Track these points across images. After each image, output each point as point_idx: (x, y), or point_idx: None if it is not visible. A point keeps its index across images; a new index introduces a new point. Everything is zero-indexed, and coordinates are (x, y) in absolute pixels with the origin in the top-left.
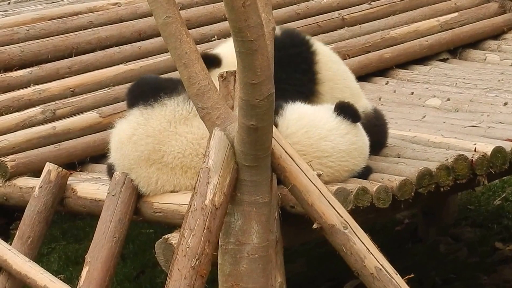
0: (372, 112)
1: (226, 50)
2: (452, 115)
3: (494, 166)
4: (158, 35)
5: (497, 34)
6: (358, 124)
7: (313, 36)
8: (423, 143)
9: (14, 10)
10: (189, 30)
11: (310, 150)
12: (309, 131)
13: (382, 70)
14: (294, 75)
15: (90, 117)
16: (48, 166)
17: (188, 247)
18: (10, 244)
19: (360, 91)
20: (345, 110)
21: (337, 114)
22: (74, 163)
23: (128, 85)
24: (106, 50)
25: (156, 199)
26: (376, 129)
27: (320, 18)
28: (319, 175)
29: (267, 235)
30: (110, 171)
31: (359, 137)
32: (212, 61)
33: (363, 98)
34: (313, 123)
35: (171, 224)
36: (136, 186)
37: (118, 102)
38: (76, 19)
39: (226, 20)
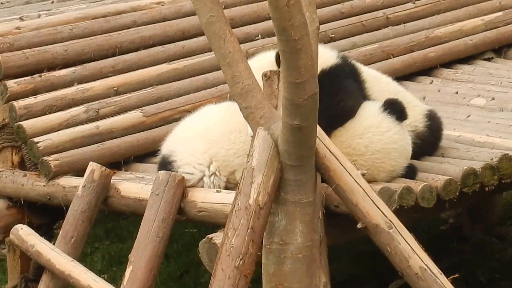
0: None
1: None
2: (497, 115)
3: None
4: (202, 34)
5: None
6: (402, 123)
7: (357, 35)
8: (468, 142)
9: (58, 9)
10: (233, 29)
11: (340, 147)
12: (345, 127)
13: (426, 70)
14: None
15: (133, 116)
16: (92, 165)
17: (232, 247)
18: (54, 244)
19: (412, 98)
20: (392, 106)
21: (383, 110)
22: (118, 163)
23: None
24: (149, 49)
25: (200, 198)
26: (432, 132)
27: (364, 17)
28: (363, 174)
29: (311, 235)
30: None
31: (401, 136)
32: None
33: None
34: (354, 119)
35: (215, 224)
36: (180, 185)
37: (162, 101)
38: (120, 18)
39: (270, 19)
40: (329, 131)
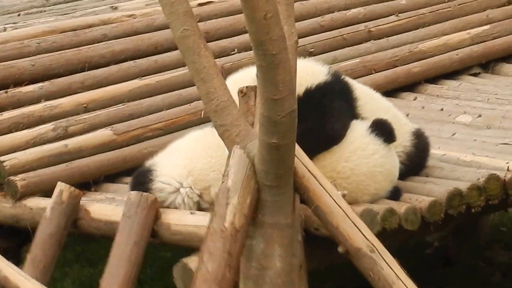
0: (415, 132)
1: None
2: (484, 132)
3: None
4: (175, 48)
5: None
6: (390, 145)
7: (337, 49)
8: (453, 161)
9: (25, 22)
10: (208, 43)
11: (324, 170)
12: (331, 151)
13: (410, 85)
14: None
15: (103, 134)
16: (60, 185)
17: (207, 272)
18: (22, 268)
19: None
20: (380, 128)
21: (371, 131)
22: (87, 183)
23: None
24: (120, 64)
25: (173, 220)
26: (419, 151)
27: (345, 30)
28: (343, 195)
29: (290, 259)
30: None
31: (388, 159)
32: None
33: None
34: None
35: (189, 247)
36: (153, 206)
37: (133, 119)
38: (89, 32)
39: (247, 32)
40: (312, 155)
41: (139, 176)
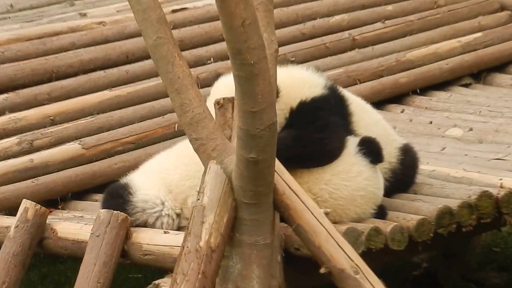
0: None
1: (284, 78)
2: (475, 147)
3: None
4: (148, 57)
5: None
6: (375, 166)
7: (320, 58)
8: (443, 178)
9: None
10: (182, 52)
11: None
12: (311, 171)
13: (397, 97)
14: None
15: (71, 148)
16: (25, 203)
17: None
18: None
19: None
20: (368, 147)
21: (359, 150)
22: (54, 200)
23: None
24: (89, 74)
25: (145, 240)
26: (405, 168)
27: (328, 38)
28: (326, 213)
29: (269, 281)
30: None
31: (371, 181)
32: None
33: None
34: None
35: (162, 268)
36: (123, 225)
37: (103, 132)
38: (57, 40)
39: (224, 40)
40: (301, 168)
41: (112, 194)
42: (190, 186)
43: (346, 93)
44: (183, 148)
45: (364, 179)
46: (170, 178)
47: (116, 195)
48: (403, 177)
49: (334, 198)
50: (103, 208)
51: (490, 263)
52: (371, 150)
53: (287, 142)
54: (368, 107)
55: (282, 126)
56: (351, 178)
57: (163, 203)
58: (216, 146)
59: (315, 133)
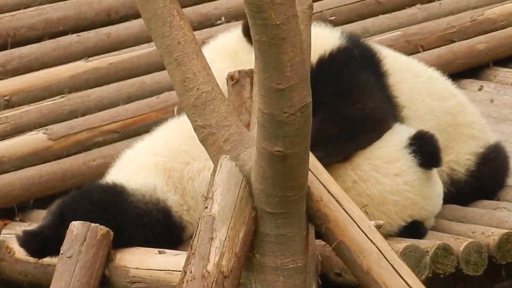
0: (492, 148)
1: None
2: None
3: None
4: (136, 16)
5: None
6: (428, 171)
7: (369, 17)
8: None
9: None
10: (183, 9)
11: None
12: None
13: (473, 69)
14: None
15: (34, 139)
16: None
17: None
18: None
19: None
20: (422, 144)
21: (408, 145)
22: (10, 209)
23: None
24: (57, 38)
25: (133, 262)
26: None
27: None
28: (379, 227)
29: None
30: None
31: (413, 188)
32: None
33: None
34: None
35: None
36: (104, 242)
37: (76, 117)
38: None
39: None
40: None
41: (91, 198)
42: (198, 169)
43: (375, 45)
44: (182, 124)
45: (404, 183)
46: (171, 163)
47: (99, 198)
48: (486, 185)
49: (358, 192)
50: (76, 219)
51: None
52: (425, 150)
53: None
54: (420, 67)
55: None
56: (387, 175)
57: (165, 198)
58: (230, 136)
59: (344, 98)
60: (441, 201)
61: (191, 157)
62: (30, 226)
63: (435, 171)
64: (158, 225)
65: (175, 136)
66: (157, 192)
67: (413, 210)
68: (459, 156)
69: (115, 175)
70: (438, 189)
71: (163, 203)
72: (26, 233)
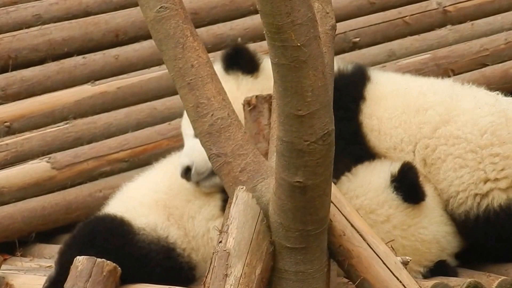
0: None
1: None
2: None
3: None
4: (147, 37)
5: None
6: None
7: (395, 39)
8: None
9: None
10: (197, 29)
11: None
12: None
13: (507, 95)
14: None
15: (36, 168)
16: None
17: None
18: None
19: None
20: (402, 181)
21: (392, 183)
22: (11, 243)
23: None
24: (62, 60)
25: None
26: None
27: (408, 10)
28: (406, 263)
29: None
30: None
31: (404, 232)
32: (240, 62)
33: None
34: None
35: None
36: (112, 279)
37: (82, 145)
38: (14, 11)
39: (257, 13)
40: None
41: (96, 231)
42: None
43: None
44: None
45: (394, 227)
46: (167, 199)
47: (104, 231)
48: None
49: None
50: (78, 254)
51: None
52: (403, 186)
53: None
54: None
55: None
56: (376, 223)
57: (167, 236)
58: (246, 166)
59: None
60: (451, 238)
61: (193, 195)
62: (31, 261)
63: (431, 206)
64: (159, 266)
65: (175, 171)
66: (157, 231)
67: (416, 256)
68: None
69: (117, 208)
70: (440, 227)
71: (163, 241)
72: None
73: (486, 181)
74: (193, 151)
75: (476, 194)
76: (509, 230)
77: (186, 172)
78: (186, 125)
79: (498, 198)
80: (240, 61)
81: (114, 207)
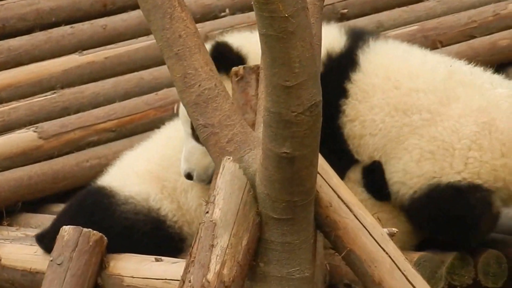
0: None
1: (255, 41)
2: None
3: None
4: (134, 7)
5: None
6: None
7: (383, 10)
8: None
9: None
10: (185, 0)
11: None
12: None
13: (495, 67)
14: None
15: (23, 138)
16: None
17: None
18: None
19: None
20: (371, 179)
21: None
22: None
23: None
24: (50, 30)
25: (128, 270)
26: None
27: None
28: (392, 235)
29: None
30: None
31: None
32: (228, 58)
33: None
34: None
35: None
36: (98, 249)
37: (69, 114)
38: None
39: None
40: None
41: (83, 201)
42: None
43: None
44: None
45: None
46: (162, 170)
47: (90, 202)
48: None
49: None
50: (68, 223)
51: None
52: (371, 184)
53: None
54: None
55: None
56: None
57: (159, 208)
58: (233, 136)
59: None
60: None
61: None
62: (17, 231)
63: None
64: (146, 237)
65: (170, 142)
66: (149, 201)
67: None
68: None
69: (112, 177)
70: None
71: (154, 212)
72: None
73: (449, 171)
74: (193, 156)
75: (432, 177)
76: (455, 207)
77: (189, 176)
78: (184, 122)
79: (450, 178)
80: (224, 62)
81: (111, 174)
